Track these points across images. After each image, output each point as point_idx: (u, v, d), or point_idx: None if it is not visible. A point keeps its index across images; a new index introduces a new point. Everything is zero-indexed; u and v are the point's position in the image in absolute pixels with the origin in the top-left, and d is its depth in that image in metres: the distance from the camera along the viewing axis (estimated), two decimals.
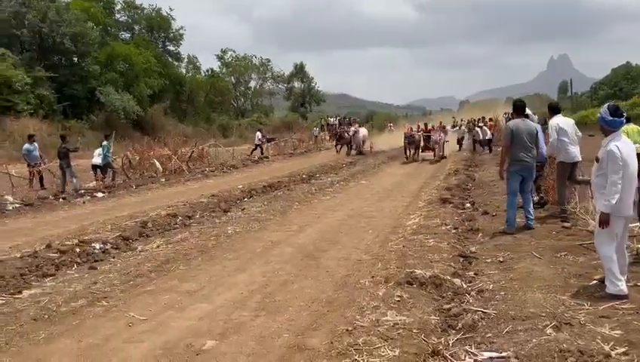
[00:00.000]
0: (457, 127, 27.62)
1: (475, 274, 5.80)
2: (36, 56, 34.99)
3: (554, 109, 8.09)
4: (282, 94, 65.89)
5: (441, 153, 21.81)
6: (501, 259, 6.17)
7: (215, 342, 4.23)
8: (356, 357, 3.79)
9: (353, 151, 25.42)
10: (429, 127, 23.97)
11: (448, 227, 8.13)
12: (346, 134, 25.79)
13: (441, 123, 25.61)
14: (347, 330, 4.28)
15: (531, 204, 7.65)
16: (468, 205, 10.03)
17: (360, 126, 28.06)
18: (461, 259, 6.37)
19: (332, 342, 4.07)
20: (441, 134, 22.10)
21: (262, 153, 26.62)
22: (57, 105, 33.96)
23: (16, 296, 5.58)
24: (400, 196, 12.09)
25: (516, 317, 4.38)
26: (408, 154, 21.93)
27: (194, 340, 4.28)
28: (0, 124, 28.05)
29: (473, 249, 6.84)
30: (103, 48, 39.18)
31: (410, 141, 21.69)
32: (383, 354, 3.84)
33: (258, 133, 28.45)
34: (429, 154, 22.28)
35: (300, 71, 64.82)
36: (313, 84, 65.85)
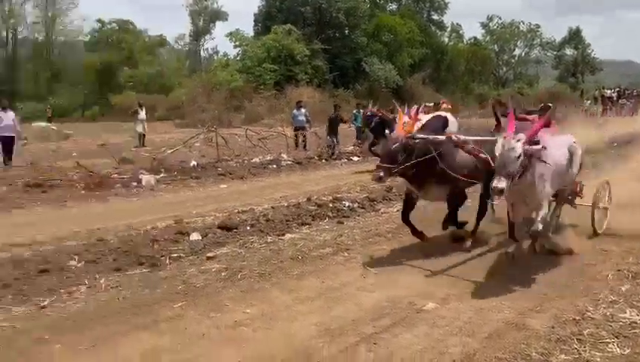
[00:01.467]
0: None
1: None
2: (315, 30, 39.21)
3: None
4: (550, 63, 60.34)
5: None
6: None
7: (436, 305, 4.50)
8: (577, 347, 3.64)
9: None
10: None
11: None
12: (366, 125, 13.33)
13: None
14: (574, 319, 4.10)
15: None
16: None
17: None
18: None
19: (553, 327, 3.96)
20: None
21: None
22: (329, 75, 37.69)
23: (280, 238, 6.72)
24: None
25: None
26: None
27: (417, 299, 4.62)
28: (283, 92, 32.61)
29: None
30: (371, 20, 41.65)
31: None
32: (609, 349, 3.61)
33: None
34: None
35: (574, 37, 58.25)
36: (589, 51, 58.61)
